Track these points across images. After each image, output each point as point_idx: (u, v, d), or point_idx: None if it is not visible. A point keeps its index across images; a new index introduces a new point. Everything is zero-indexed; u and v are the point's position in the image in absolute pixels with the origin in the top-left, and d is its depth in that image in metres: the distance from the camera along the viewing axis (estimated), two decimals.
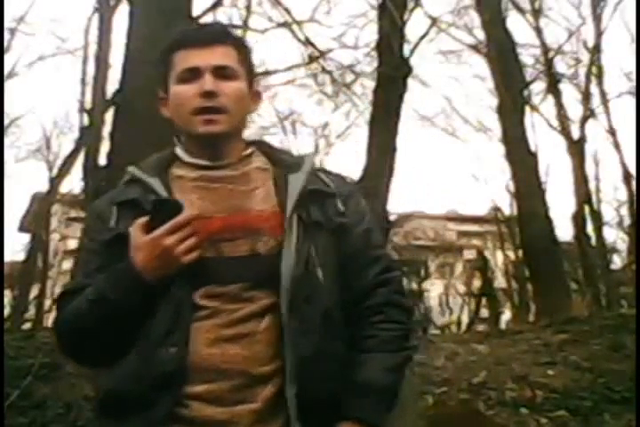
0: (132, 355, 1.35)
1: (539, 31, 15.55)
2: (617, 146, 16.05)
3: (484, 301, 16.48)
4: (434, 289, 21.60)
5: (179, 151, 1.58)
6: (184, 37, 1.56)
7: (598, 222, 16.19)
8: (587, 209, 15.34)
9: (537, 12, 15.82)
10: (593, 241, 15.64)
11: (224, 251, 1.40)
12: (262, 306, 1.39)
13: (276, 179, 1.51)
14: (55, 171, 15.00)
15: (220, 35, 1.56)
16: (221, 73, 1.50)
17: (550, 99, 15.68)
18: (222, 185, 1.49)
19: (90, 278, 1.45)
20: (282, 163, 1.55)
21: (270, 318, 1.38)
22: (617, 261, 19.39)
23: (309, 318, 1.38)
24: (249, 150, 1.58)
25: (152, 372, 1.32)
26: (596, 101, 16.30)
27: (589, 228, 15.46)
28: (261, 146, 1.62)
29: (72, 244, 17.69)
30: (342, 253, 1.48)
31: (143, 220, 1.37)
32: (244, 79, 1.55)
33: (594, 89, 16.30)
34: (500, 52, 11.99)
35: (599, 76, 16.22)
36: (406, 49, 6.40)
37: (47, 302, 16.34)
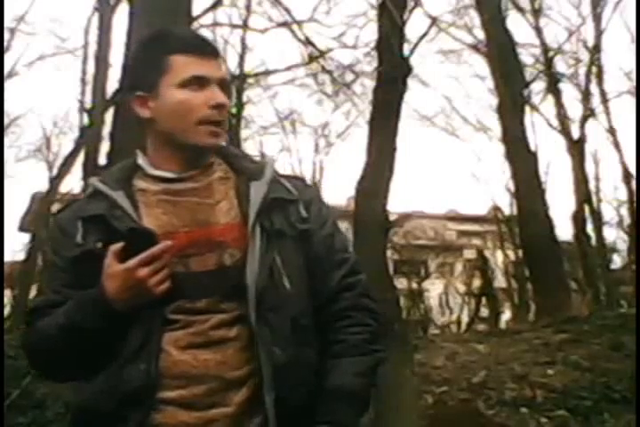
0: (104, 372, 1.36)
1: (539, 31, 15.57)
2: (617, 145, 16.08)
3: (483, 300, 16.49)
4: (434, 289, 21.61)
5: (141, 162, 1.54)
6: (184, 42, 1.50)
7: (598, 222, 16.21)
8: (587, 209, 15.36)
9: (537, 12, 15.84)
10: (593, 241, 15.66)
11: (192, 266, 1.40)
12: (232, 316, 1.39)
13: (238, 188, 1.50)
14: (55, 170, 15.01)
15: (216, 48, 1.54)
16: (222, 86, 1.49)
17: (550, 98, 15.71)
18: (186, 199, 1.47)
19: (58, 295, 1.44)
20: (243, 171, 1.53)
21: (240, 327, 1.39)
22: (617, 261, 19.42)
23: (278, 327, 1.39)
24: (210, 159, 1.54)
25: (122, 388, 1.33)
26: (595, 101, 16.34)
27: (589, 227, 15.49)
28: (221, 152, 1.58)
29: None
30: (307, 258, 1.48)
31: (117, 247, 1.34)
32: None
33: (594, 89, 16.34)
34: (499, 51, 11.99)
35: (599, 76, 16.24)
36: (406, 48, 6.39)
37: None
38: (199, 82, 1.46)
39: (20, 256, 15.17)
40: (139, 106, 1.51)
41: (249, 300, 1.37)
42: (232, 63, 15.21)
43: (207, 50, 1.50)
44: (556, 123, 15.90)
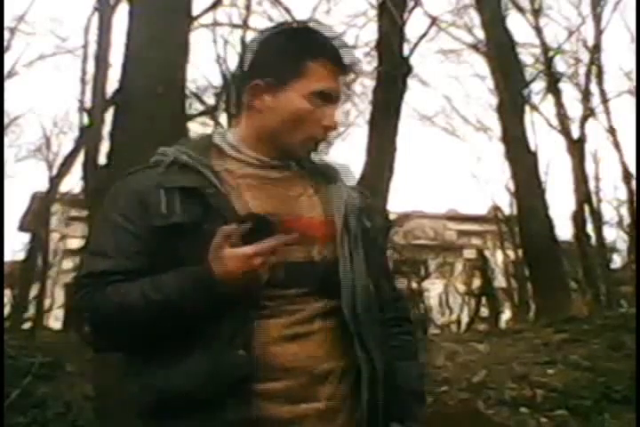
0: (197, 355, 1.31)
1: (538, 30, 15.57)
2: (617, 145, 16.07)
3: (483, 300, 16.49)
4: (434, 288, 21.61)
5: (219, 141, 1.52)
6: (330, 52, 1.46)
7: (598, 222, 16.20)
8: (587, 208, 15.35)
9: (537, 12, 15.84)
10: (593, 240, 15.66)
11: (282, 255, 1.36)
12: (317, 310, 1.40)
13: (315, 187, 1.51)
14: (55, 170, 15.01)
15: (353, 63, 1.50)
16: (338, 102, 1.49)
17: (550, 98, 15.71)
18: (272, 187, 1.47)
19: (129, 261, 1.38)
20: (315, 171, 1.54)
21: (321, 322, 1.40)
22: (617, 261, 19.42)
23: (371, 325, 1.42)
24: None
25: (222, 373, 1.30)
26: (595, 101, 16.33)
27: (589, 227, 15.49)
28: None
29: (72, 243, 17.69)
30: (369, 264, 1.51)
31: (229, 229, 1.29)
32: None
33: (594, 88, 16.33)
34: (499, 51, 11.99)
35: (599, 76, 16.23)
36: (406, 48, 6.41)
37: (47, 302, 16.35)
38: (324, 97, 1.45)
39: (20, 256, 15.19)
40: (252, 94, 1.47)
41: (343, 297, 1.39)
42: (232, 63, 15.22)
43: (346, 66, 1.48)
44: (555, 122, 15.91)
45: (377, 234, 1.58)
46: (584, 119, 15.88)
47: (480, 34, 14.07)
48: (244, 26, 14.25)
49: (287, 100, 1.44)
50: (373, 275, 1.50)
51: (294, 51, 1.46)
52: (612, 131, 16.08)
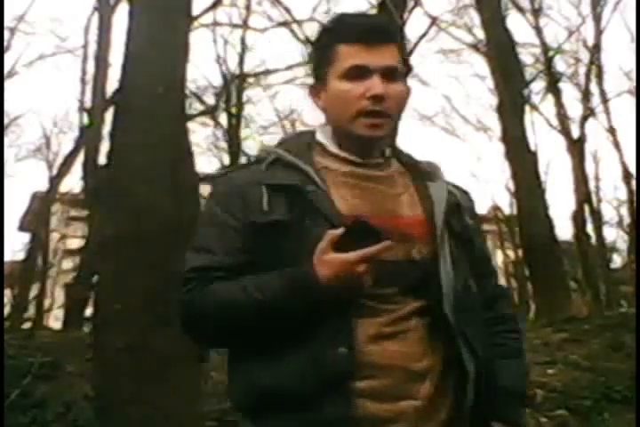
0: (299, 353, 1.32)
1: (538, 30, 15.58)
2: (617, 145, 16.09)
3: None
4: None
5: (322, 139, 1.52)
6: (351, 30, 1.45)
7: (598, 222, 16.22)
8: (586, 208, 15.36)
9: (537, 12, 15.85)
10: (593, 240, 15.67)
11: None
12: (415, 308, 1.39)
13: (417, 185, 1.50)
14: (55, 170, 15.02)
15: (388, 33, 1.48)
16: (388, 74, 1.44)
17: (550, 98, 15.73)
18: (373, 185, 1.46)
19: (232, 257, 1.39)
20: (416, 169, 1.54)
21: (418, 320, 1.38)
22: (617, 261, 19.45)
23: (474, 325, 1.42)
24: (388, 152, 1.55)
25: (322, 371, 1.30)
26: (595, 100, 16.36)
27: (589, 227, 15.50)
28: (392, 147, 1.58)
29: (72, 243, 17.69)
30: (469, 263, 1.51)
31: (336, 234, 1.29)
32: (403, 78, 1.51)
33: (593, 88, 16.36)
34: (499, 51, 11.99)
35: (599, 76, 16.25)
36: (406, 48, 6.41)
37: (47, 302, 16.35)
38: (360, 72, 1.43)
39: (20, 256, 15.21)
40: (313, 96, 1.52)
41: (445, 298, 1.38)
42: (232, 63, 15.24)
43: (375, 37, 1.45)
44: (555, 122, 15.94)
45: (478, 232, 1.58)
46: (584, 119, 15.90)
47: (480, 34, 14.10)
48: (244, 26, 14.27)
49: (330, 89, 1.46)
50: (475, 273, 1.50)
51: (324, 42, 1.49)
52: (611, 131, 16.10)
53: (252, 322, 1.35)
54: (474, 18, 14.30)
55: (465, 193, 1.60)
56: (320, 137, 1.53)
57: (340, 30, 1.47)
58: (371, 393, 1.31)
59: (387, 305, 1.37)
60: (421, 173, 1.53)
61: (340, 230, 1.29)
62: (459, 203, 1.51)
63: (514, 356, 1.51)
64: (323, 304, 1.31)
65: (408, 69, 1.57)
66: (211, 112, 14.87)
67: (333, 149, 1.50)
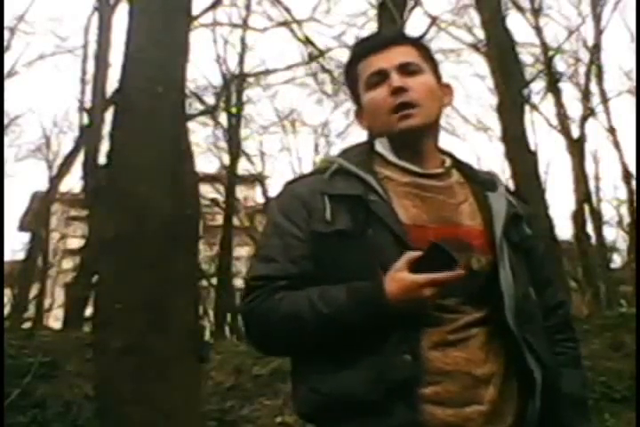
0: (364, 360, 1.33)
1: (538, 30, 15.57)
2: (617, 145, 16.09)
3: None
4: None
5: (380, 149, 1.54)
6: (362, 48, 1.56)
7: (598, 221, 16.21)
8: (586, 208, 15.36)
9: (537, 11, 15.84)
10: (593, 240, 15.66)
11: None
12: (475, 318, 1.40)
13: (476, 195, 1.51)
14: (55, 170, 15.01)
15: (396, 37, 1.57)
16: (406, 69, 1.49)
17: (550, 98, 15.71)
18: (433, 195, 1.47)
19: (295, 265, 1.41)
20: (476, 179, 1.55)
21: (479, 329, 1.40)
22: (617, 260, 19.44)
23: (537, 334, 1.43)
24: (448, 162, 1.56)
25: (388, 379, 1.31)
26: (595, 100, 16.35)
27: (589, 227, 15.49)
28: (452, 158, 1.60)
29: (72, 243, 17.70)
30: (529, 273, 1.52)
31: (414, 256, 1.32)
32: (430, 73, 1.55)
33: (593, 88, 16.35)
34: (499, 50, 11.97)
35: (599, 75, 16.25)
36: None
37: (47, 301, 16.36)
38: (379, 77, 1.49)
39: (20, 255, 15.20)
40: (358, 120, 1.59)
41: (506, 307, 1.39)
42: (232, 63, 15.23)
43: (379, 43, 1.53)
44: (555, 122, 15.93)
45: (538, 241, 1.59)
46: (584, 119, 15.90)
47: (480, 33, 14.07)
48: (244, 25, 14.27)
49: (364, 103, 1.53)
50: (535, 282, 1.51)
51: (348, 69, 1.58)
52: (611, 130, 16.11)
53: (316, 334, 1.36)
54: (474, 18, 14.29)
55: (523, 202, 1.61)
56: (379, 148, 1.54)
57: (356, 52, 1.56)
58: (436, 399, 1.32)
59: (448, 314, 1.38)
60: (481, 184, 1.54)
61: (419, 253, 1.31)
62: (518, 213, 1.52)
63: (573, 364, 1.53)
64: (386, 319, 1.32)
65: (434, 66, 1.60)
66: (211, 112, 14.87)
67: (393, 158, 1.51)
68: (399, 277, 1.31)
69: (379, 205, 1.40)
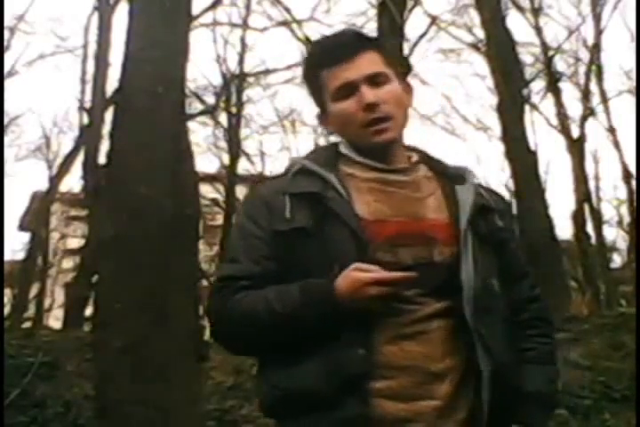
0: (319, 355, 1.35)
1: (538, 30, 15.56)
2: (617, 144, 16.08)
3: None
4: None
5: (344, 149, 1.56)
6: (326, 54, 1.52)
7: (598, 221, 16.21)
8: (586, 208, 15.35)
9: (537, 11, 15.83)
10: (593, 240, 15.66)
11: (401, 256, 1.40)
12: (436, 310, 1.41)
13: (444, 189, 1.52)
14: (55, 170, 15.01)
15: (359, 42, 1.53)
16: (375, 81, 1.49)
17: (550, 97, 15.71)
18: (396, 190, 1.49)
19: (257, 265, 1.44)
20: (444, 173, 1.56)
21: (440, 321, 1.40)
22: (617, 260, 19.42)
23: (493, 327, 1.42)
24: (415, 158, 1.58)
25: (341, 372, 1.33)
26: (595, 100, 16.34)
27: (589, 226, 15.49)
28: (420, 153, 1.61)
29: (72, 243, 17.69)
30: (499, 266, 1.52)
31: (373, 270, 1.34)
32: (395, 78, 1.54)
33: (593, 87, 16.34)
34: (499, 50, 11.97)
35: (599, 75, 16.24)
36: (406, 47, 6.41)
37: (47, 301, 16.35)
38: (348, 89, 1.48)
39: (20, 255, 15.19)
40: (322, 124, 1.59)
41: (464, 298, 1.39)
42: (232, 63, 15.23)
43: (347, 52, 1.50)
44: (555, 122, 15.92)
45: (510, 235, 1.58)
46: (584, 119, 15.90)
47: (480, 33, 14.07)
48: (244, 25, 14.26)
49: (331, 113, 1.53)
50: (507, 276, 1.51)
51: (309, 73, 1.57)
52: (611, 130, 16.10)
53: (273, 332, 1.40)
54: (474, 17, 14.29)
55: (498, 196, 1.62)
56: (343, 148, 1.56)
57: (317, 58, 1.55)
58: (389, 393, 1.34)
59: (408, 306, 1.39)
60: (450, 178, 1.55)
61: (376, 268, 1.33)
62: (487, 205, 1.52)
63: (543, 360, 1.52)
64: (338, 316, 1.34)
65: (404, 68, 1.61)
66: (211, 112, 14.86)
67: (357, 157, 1.53)
68: (348, 275, 1.34)
69: (336, 202, 1.42)
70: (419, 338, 1.38)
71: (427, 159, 1.60)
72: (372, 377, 1.33)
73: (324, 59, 1.51)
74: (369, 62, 1.50)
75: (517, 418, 1.43)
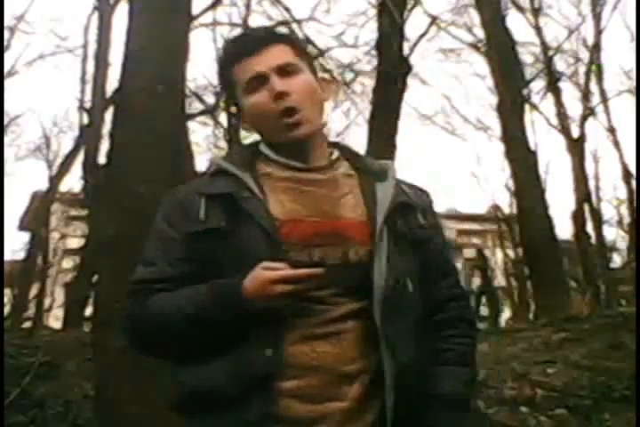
0: (227, 355, 1.35)
1: (538, 30, 15.57)
2: (617, 144, 16.10)
3: (483, 299, 16.48)
4: None
5: (263, 148, 1.55)
6: (236, 49, 1.52)
7: (598, 221, 16.22)
8: (586, 207, 15.36)
9: (536, 11, 15.84)
10: (593, 240, 15.67)
11: (315, 256, 1.39)
12: (350, 310, 1.40)
13: (363, 187, 1.51)
14: (55, 169, 15.01)
15: (269, 36, 1.53)
16: (285, 70, 1.47)
17: (550, 97, 15.73)
18: (313, 189, 1.47)
19: (171, 267, 1.43)
20: (365, 170, 1.54)
21: (355, 322, 1.39)
22: (617, 260, 19.44)
23: (402, 329, 1.40)
24: (335, 155, 1.56)
25: (248, 372, 1.32)
26: (595, 100, 16.37)
27: (589, 226, 15.50)
28: (343, 150, 1.59)
29: (72, 242, 17.69)
30: (420, 265, 1.49)
31: (277, 268, 1.33)
32: (308, 71, 1.53)
33: (593, 87, 16.37)
34: (499, 50, 11.99)
35: (599, 75, 16.25)
36: (406, 47, 6.40)
37: (47, 301, 16.35)
38: (258, 81, 1.46)
39: (20, 255, 15.21)
40: (240, 122, 1.57)
41: (375, 298, 1.38)
42: None
43: (257, 45, 1.49)
44: (555, 122, 15.94)
45: (433, 232, 1.55)
46: (584, 118, 15.91)
47: (480, 33, 14.09)
48: (244, 25, 14.24)
49: (244, 108, 1.51)
50: (427, 274, 1.49)
51: (222, 72, 1.54)
52: (611, 130, 16.12)
53: (185, 334, 1.39)
54: (474, 17, 14.30)
55: (422, 192, 1.60)
56: (263, 148, 1.55)
57: (228, 55, 1.53)
58: (297, 393, 1.33)
59: (321, 306, 1.37)
60: (372, 174, 1.52)
61: (281, 265, 1.32)
62: (407, 202, 1.50)
63: (457, 362, 1.49)
64: (248, 315, 1.33)
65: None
66: (211, 112, 14.85)
67: (275, 156, 1.51)
68: (255, 274, 1.33)
69: (250, 202, 1.41)
70: (331, 339, 1.36)
71: (349, 155, 1.58)
72: (281, 377, 1.33)
73: (234, 54, 1.50)
74: (278, 53, 1.48)
75: (426, 422, 1.41)
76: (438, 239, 1.57)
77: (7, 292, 14.79)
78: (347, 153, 1.58)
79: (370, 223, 1.44)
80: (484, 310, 16.70)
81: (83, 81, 12.14)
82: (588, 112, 16.02)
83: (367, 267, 1.40)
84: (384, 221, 1.43)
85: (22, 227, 20.22)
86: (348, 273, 1.40)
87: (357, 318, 1.39)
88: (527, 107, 13.10)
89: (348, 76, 11.49)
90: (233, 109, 1.50)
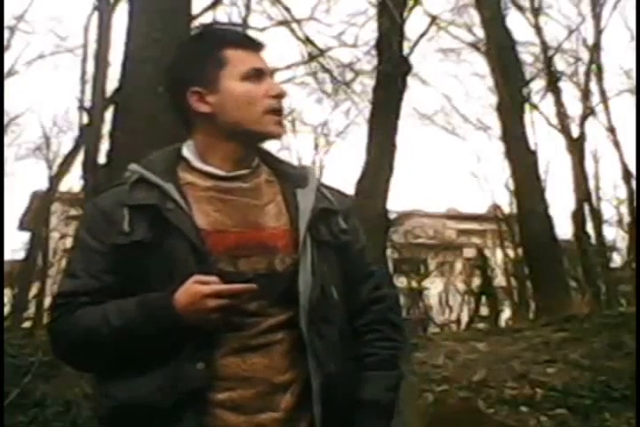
0: (158, 368, 1.33)
1: (538, 29, 15.56)
2: (616, 144, 16.09)
3: (483, 299, 16.50)
4: (433, 287, 21.63)
5: (187, 154, 1.52)
6: (233, 36, 1.54)
7: (598, 220, 16.21)
8: (586, 207, 15.35)
9: (536, 11, 15.83)
10: (593, 239, 15.65)
11: (241, 267, 1.38)
12: (279, 321, 1.39)
13: (285, 194, 1.50)
14: (55, 169, 15.02)
15: (261, 42, 1.56)
16: (272, 77, 1.53)
17: (550, 97, 15.72)
18: (236, 198, 1.45)
19: (95, 280, 1.40)
20: (286, 176, 1.53)
21: (285, 332, 1.39)
22: (616, 260, 19.41)
23: (329, 338, 1.40)
24: (256, 161, 1.54)
25: (181, 386, 1.31)
26: (595, 99, 16.36)
27: (589, 226, 15.48)
28: (263, 155, 1.57)
29: (72, 242, 17.66)
30: (342, 270, 1.49)
31: (208, 280, 1.32)
32: None
33: (593, 87, 16.35)
34: (499, 50, 11.99)
35: (599, 74, 16.25)
36: (406, 47, 6.39)
37: (47, 301, 16.34)
38: (257, 74, 1.48)
39: (20, 255, 15.22)
40: (196, 101, 1.48)
41: (301, 308, 1.37)
42: None
43: (255, 44, 1.53)
44: (555, 121, 15.92)
45: (355, 236, 1.55)
46: (584, 118, 15.90)
47: (480, 33, 14.09)
48: (244, 25, 14.24)
49: (228, 90, 1.47)
50: (349, 279, 1.49)
51: (207, 48, 1.50)
52: (611, 130, 16.11)
53: (113, 347, 1.37)
54: (474, 17, 14.29)
55: (342, 195, 1.59)
56: (185, 152, 1.52)
57: (223, 36, 1.54)
58: (230, 404, 1.33)
59: (250, 318, 1.37)
60: (292, 180, 1.52)
61: (213, 279, 1.31)
62: (328, 207, 1.50)
63: (381, 366, 1.48)
64: (178, 329, 1.32)
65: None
66: None
67: (197, 163, 1.49)
68: (187, 288, 1.31)
69: (175, 214, 1.39)
70: (262, 350, 1.37)
71: (268, 161, 1.56)
72: (214, 389, 1.32)
73: (234, 39, 1.52)
74: (266, 61, 1.54)
75: None
76: (360, 243, 1.56)
77: (7, 292, 14.79)
78: (266, 158, 1.57)
79: (293, 232, 1.43)
80: (483, 310, 16.73)
81: (83, 81, 12.15)
82: (588, 112, 16.01)
83: (293, 276, 1.39)
84: (307, 229, 1.43)
85: (22, 227, 20.20)
86: (275, 283, 1.39)
87: (287, 328, 1.39)
88: (527, 106, 13.09)
89: (348, 75, 11.47)
90: (197, 88, 1.43)
